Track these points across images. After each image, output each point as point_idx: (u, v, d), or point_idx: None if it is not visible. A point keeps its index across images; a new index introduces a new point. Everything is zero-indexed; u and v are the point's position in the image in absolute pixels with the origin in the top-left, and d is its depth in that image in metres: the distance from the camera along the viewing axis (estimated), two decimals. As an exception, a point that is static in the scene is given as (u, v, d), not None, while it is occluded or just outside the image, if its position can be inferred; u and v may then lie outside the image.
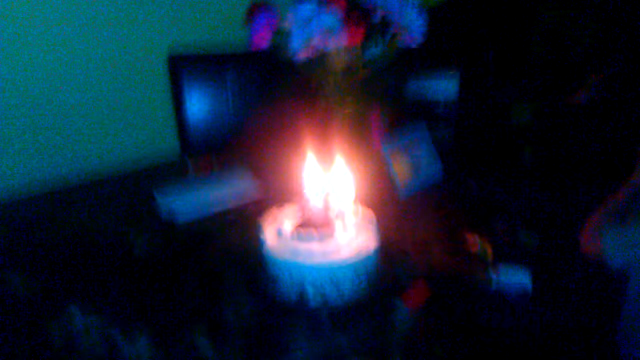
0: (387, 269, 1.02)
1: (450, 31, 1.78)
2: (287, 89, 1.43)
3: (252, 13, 1.36)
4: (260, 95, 1.48)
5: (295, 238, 0.97)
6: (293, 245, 0.95)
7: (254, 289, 0.99)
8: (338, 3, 1.29)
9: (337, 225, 1.00)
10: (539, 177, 1.49)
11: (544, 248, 1.10)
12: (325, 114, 1.40)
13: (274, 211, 1.06)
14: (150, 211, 1.33)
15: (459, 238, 1.14)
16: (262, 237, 0.99)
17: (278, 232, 0.99)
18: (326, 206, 1.01)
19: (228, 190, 1.40)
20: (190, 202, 1.34)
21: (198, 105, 1.36)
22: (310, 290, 0.92)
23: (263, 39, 1.37)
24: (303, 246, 0.94)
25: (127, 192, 1.48)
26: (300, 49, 1.31)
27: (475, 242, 1.11)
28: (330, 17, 1.29)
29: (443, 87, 1.74)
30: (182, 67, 1.32)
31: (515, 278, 0.98)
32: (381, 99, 1.44)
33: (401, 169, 1.38)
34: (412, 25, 1.33)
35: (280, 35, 1.34)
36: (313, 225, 0.99)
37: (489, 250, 1.08)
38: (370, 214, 1.05)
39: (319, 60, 1.34)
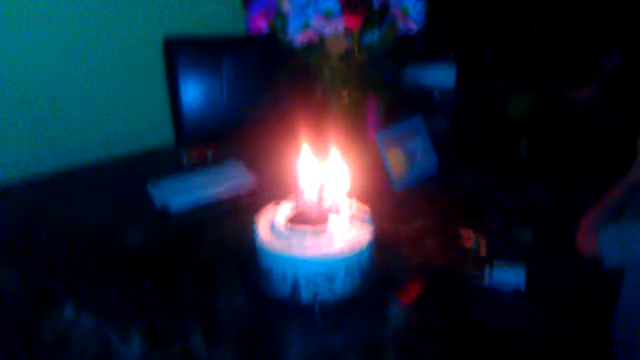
0: (381, 262, 1.01)
1: (449, 19, 1.76)
2: (285, 75, 1.41)
3: (250, -3, 1.33)
4: (257, 82, 1.45)
5: (288, 231, 0.95)
6: (286, 238, 0.93)
7: (247, 282, 0.98)
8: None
9: (331, 218, 0.98)
10: (535, 170, 1.49)
11: (539, 244, 1.10)
12: (321, 102, 1.38)
13: (269, 208, 1.04)
14: (144, 201, 1.31)
15: (454, 232, 1.13)
16: (255, 229, 0.97)
17: (271, 225, 0.97)
18: (320, 199, 1.00)
19: (222, 181, 1.38)
20: (184, 192, 1.32)
21: (193, 92, 1.33)
22: (303, 283, 0.90)
23: (261, 22, 1.34)
24: (296, 239, 0.93)
25: (120, 181, 1.46)
26: (297, 33, 1.28)
27: (469, 237, 1.11)
28: (328, 1, 1.26)
29: (440, 76, 1.72)
30: (178, 52, 1.29)
31: (508, 274, 0.98)
32: (378, 87, 1.42)
33: (396, 161, 1.36)
34: (411, 11, 1.31)
35: (279, 19, 1.31)
36: (307, 218, 0.98)
37: (483, 246, 1.08)
38: (364, 207, 1.04)
39: (317, 45, 1.32)
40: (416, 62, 1.70)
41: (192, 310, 0.92)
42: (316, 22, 1.27)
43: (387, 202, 1.26)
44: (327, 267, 0.90)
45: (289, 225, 0.97)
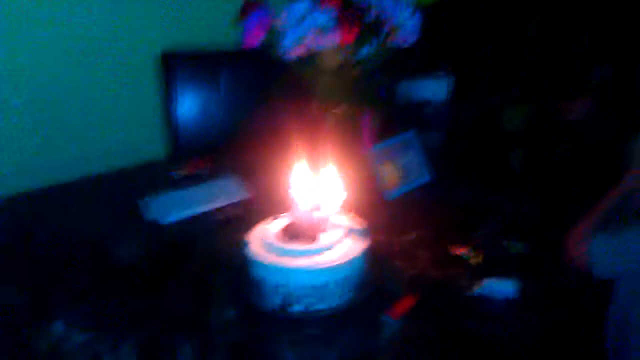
0: (375, 274, 1.01)
1: (443, 33, 1.77)
2: (280, 88, 1.41)
3: (246, 11, 1.34)
4: (252, 94, 1.46)
5: (281, 242, 0.95)
6: (279, 250, 0.94)
7: (239, 294, 0.98)
8: (332, 2, 1.28)
9: (324, 230, 0.98)
10: (529, 182, 1.49)
11: (532, 255, 1.10)
12: (316, 116, 1.39)
13: (262, 221, 1.04)
14: (136, 214, 1.31)
15: (447, 243, 1.14)
16: (247, 241, 0.97)
17: (264, 237, 0.98)
18: (314, 210, 1.00)
19: (215, 193, 1.38)
20: (175, 204, 1.32)
21: (190, 104, 1.34)
22: (295, 295, 0.90)
23: (256, 37, 1.35)
24: (288, 251, 0.93)
25: (112, 192, 1.46)
26: (292, 47, 1.29)
27: (462, 248, 1.11)
28: (324, 16, 1.28)
29: (434, 89, 1.73)
30: (176, 65, 1.30)
31: (500, 284, 0.98)
32: (372, 101, 1.43)
33: (390, 173, 1.37)
34: (405, 25, 1.32)
35: (273, 34, 1.32)
36: (300, 230, 0.98)
37: (476, 257, 1.08)
38: (357, 218, 1.04)
39: (311, 59, 1.33)
40: (410, 77, 1.71)
41: (183, 323, 0.92)
42: (311, 36, 1.28)
43: (380, 214, 1.26)
44: (320, 279, 0.90)
45: (281, 237, 0.97)
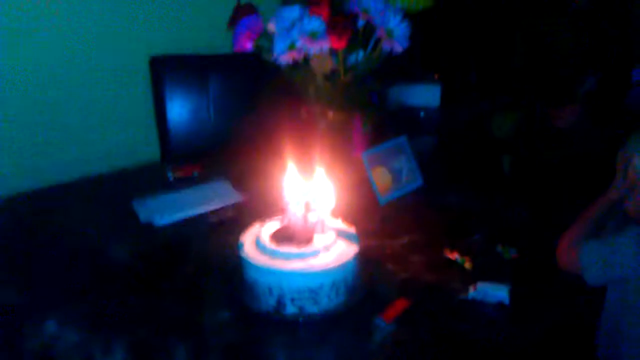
0: (367, 277, 1.01)
1: (433, 40, 1.79)
2: (270, 93, 1.42)
3: (237, 16, 1.35)
4: (243, 100, 1.46)
5: (274, 245, 0.95)
6: (272, 252, 0.93)
7: (232, 296, 0.97)
8: (322, 8, 1.28)
9: (316, 232, 0.98)
10: (518, 187, 1.50)
11: (522, 260, 1.11)
12: (307, 121, 1.39)
13: (255, 224, 1.04)
14: (129, 216, 1.30)
15: (439, 248, 1.14)
16: (240, 242, 0.97)
17: (257, 239, 0.97)
18: (306, 214, 1.00)
19: (208, 196, 1.38)
20: (168, 206, 1.32)
21: (179, 109, 1.34)
22: (288, 297, 0.90)
23: (246, 42, 1.36)
24: (281, 253, 0.93)
25: (106, 195, 1.45)
26: (283, 52, 1.30)
27: (453, 253, 1.11)
28: (314, 22, 1.28)
29: (425, 95, 1.75)
30: (164, 68, 1.30)
31: (494, 290, 0.98)
32: (363, 107, 1.44)
33: (381, 178, 1.38)
34: (395, 31, 1.33)
35: (264, 39, 1.33)
36: (292, 233, 0.98)
37: (468, 262, 1.08)
38: (349, 223, 1.04)
39: (302, 64, 1.34)
40: (401, 82, 1.72)
41: (177, 324, 0.91)
42: (302, 43, 1.29)
43: (372, 218, 1.27)
44: (313, 281, 0.90)
45: (275, 239, 0.97)
